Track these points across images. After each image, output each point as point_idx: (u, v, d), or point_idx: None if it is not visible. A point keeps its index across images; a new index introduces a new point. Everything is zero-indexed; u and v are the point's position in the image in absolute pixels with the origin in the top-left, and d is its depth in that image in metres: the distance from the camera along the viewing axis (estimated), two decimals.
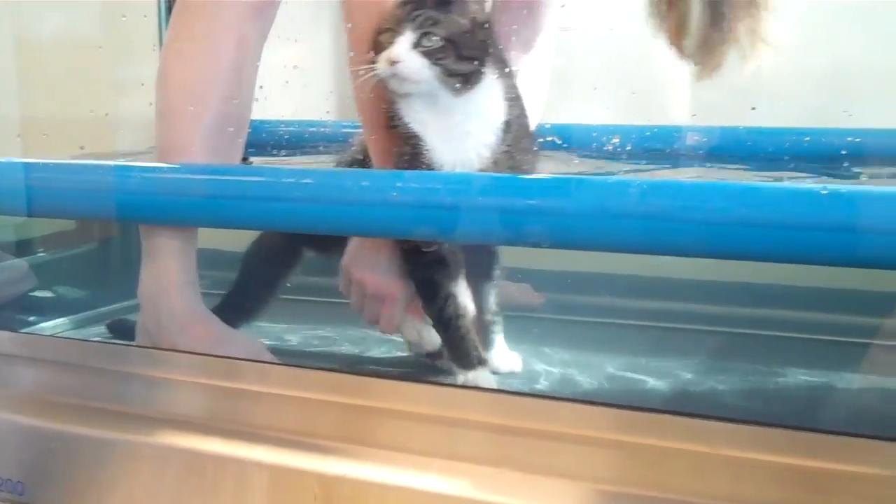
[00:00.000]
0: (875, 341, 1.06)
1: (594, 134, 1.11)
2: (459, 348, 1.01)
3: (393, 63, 0.92)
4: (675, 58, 1.06)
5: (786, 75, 1.28)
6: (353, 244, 1.07)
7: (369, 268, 1.05)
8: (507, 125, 0.99)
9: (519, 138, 1.01)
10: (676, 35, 1.06)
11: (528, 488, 0.76)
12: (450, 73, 0.94)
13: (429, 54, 0.93)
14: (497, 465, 0.78)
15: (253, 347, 1.10)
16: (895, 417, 0.91)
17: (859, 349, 1.10)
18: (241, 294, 1.22)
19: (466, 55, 0.94)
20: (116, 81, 1.66)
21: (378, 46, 0.94)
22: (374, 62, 0.94)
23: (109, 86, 1.66)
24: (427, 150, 0.97)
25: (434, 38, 0.93)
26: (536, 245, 0.91)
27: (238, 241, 1.22)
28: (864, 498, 0.68)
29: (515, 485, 0.77)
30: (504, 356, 1.11)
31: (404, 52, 0.92)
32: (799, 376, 1.05)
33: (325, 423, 0.85)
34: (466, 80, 0.95)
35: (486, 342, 1.09)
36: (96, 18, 1.68)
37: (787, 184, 0.91)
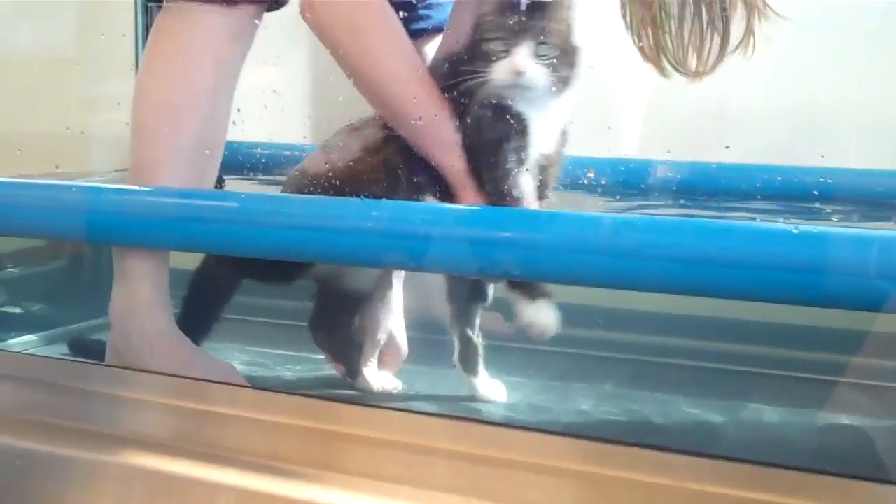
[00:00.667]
0: (843, 379, 1.06)
1: (569, 166, 1.11)
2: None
3: (518, 73, 0.94)
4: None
5: (758, 113, 1.29)
6: None
7: None
8: None
9: None
10: (656, 55, 1.07)
11: None
12: (560, 79, 0.96)
13: (548, 64, 0.95)
14: (464, 494, 0.77)
15: (223, 370, 1.09)
16: (859, 456, 0.92)
17: (828, 386, 1.10)
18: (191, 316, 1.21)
19: (571, 61, 0.97)
20: (92, 99, 1.65)
21: (483, 54, 0.96)
22: (479, 69, 0.96)
23: (85, 104, 1.65)
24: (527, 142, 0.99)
25: (550, 47, 0.95)
26: (506, 277, 0.91)
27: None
28: None
29: None
30: (488, 384, 1.11)
31: (528, 62, 0.95)
32: (765, 412, 1.05)
33: (294, 448, 0.84)
34: (566, 82, 0.98)
35: (470, 368, 1.10)
36: (74, 36, 1.68)
37: (759, 223, 0.91)
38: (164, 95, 1.11)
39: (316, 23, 1.03)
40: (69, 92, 1.64)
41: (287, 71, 1.63)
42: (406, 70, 1.03)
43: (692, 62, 1.07)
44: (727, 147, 1.29)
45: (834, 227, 0.89)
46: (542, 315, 0.99)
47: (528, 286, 0.99)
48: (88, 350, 1.24)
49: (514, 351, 1.21)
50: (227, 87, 1.14)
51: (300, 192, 1.09)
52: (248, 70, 1.16)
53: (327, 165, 1.07)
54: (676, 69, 1.08)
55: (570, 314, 1.13)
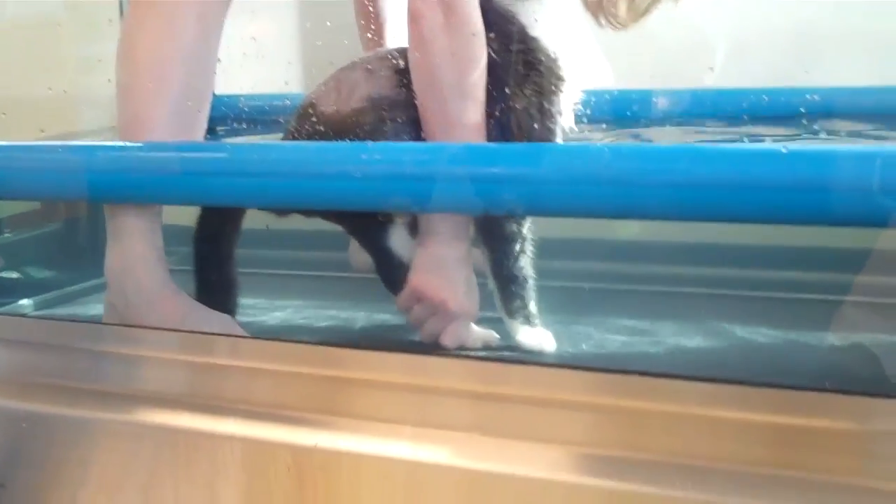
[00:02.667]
0: (838, 298, 1.05)
1: None
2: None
3: None
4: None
5: (746, 35, 1.27)
6: (422, 261, 1.05)
7: (447, 288, 1.03)
8: None
9: None
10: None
11: (505, 453, 0.74)
12: None
13: None
14: (472, 432, 0.76)
15: (222, 321, 1.08)
16: (864, 373, 0.90)
17: (827, 306, 1.09)
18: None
19: None
20: (75, 59, 1.62)
21: None
22: None
23: (68, 63, 1.61)
24: None
25: None
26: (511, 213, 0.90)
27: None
28: (838, 452, 0.67)
29: (492, 450, 0.75)
30: (531, 333, 1.06)
31: None
32: (767, 334, 1.04)
33: (297, 395, 0.83)
34: None
35: (512, 314, 1.06)
36: None
37: (747, 145, 0.90)
38: (149, 51, 1.09)
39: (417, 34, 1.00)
40: (51, 52, 1.60)
41: (268, 16, 1.59)
42: (476, 120, 1.01)
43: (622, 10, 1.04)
44: (711, 69, 1.26)
45: (821, 145, 0.87)
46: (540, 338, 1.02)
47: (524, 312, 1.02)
48: None
49: None
50: (213, 38, 1.11)
51: (309, 129, 1.07)
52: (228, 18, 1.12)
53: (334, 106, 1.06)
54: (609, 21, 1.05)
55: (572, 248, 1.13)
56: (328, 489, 0.78)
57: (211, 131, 1.24)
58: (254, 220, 1.13)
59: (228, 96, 1.44)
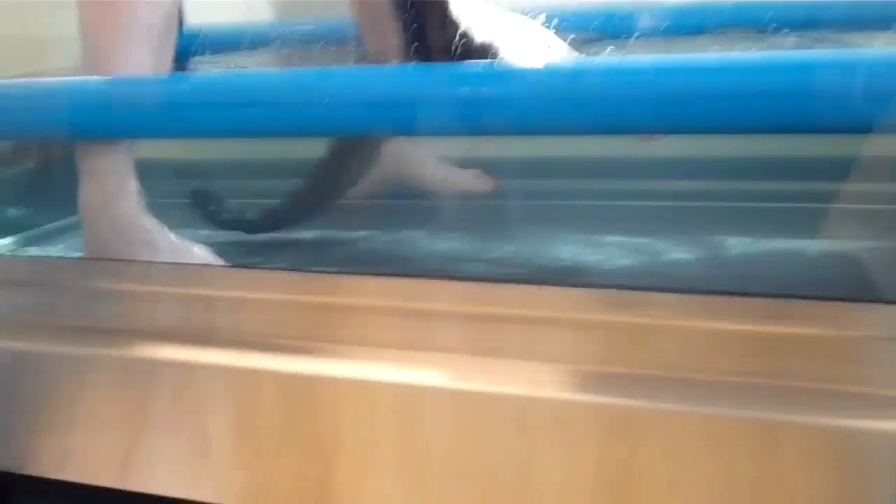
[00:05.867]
0: (823, 206, 1.02)
1: None
2: None
3: None
4: None
5: None
6: None
7: None
8: None
9: None
10: None
11: (508, 374, 0.71)
12: None
13: None
14: (473, 354, 0.73)
15: (201, 252, 1.04)
16: (851, 281, 0.88)
17: (813, 215, 1.06)
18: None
19: None
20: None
21: None
22: None
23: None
24: None
25: None
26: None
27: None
28: (829, 359, 0.65)
29: (494, 372, 0.72)
30: None
31: None
32: (758, 244, 1.01)
33: (281, 323, 0.80)
34: None
35: None
36: None
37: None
38: None
39: None
40: None
41: None
42: None
43: None
44: None
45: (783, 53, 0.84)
46: None
47: None
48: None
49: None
50: None
51: None
52: None
53: None
54: None
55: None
56: (314, 415, 0.75)
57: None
58: None
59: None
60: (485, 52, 0.92)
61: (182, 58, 1.22)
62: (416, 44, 0.93)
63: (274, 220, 1.22)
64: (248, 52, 1.35)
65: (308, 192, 1.21)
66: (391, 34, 1.02)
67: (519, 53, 0.92)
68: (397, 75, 0.92)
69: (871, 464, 0.62)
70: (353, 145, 1.16)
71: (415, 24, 0.94)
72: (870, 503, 0.62)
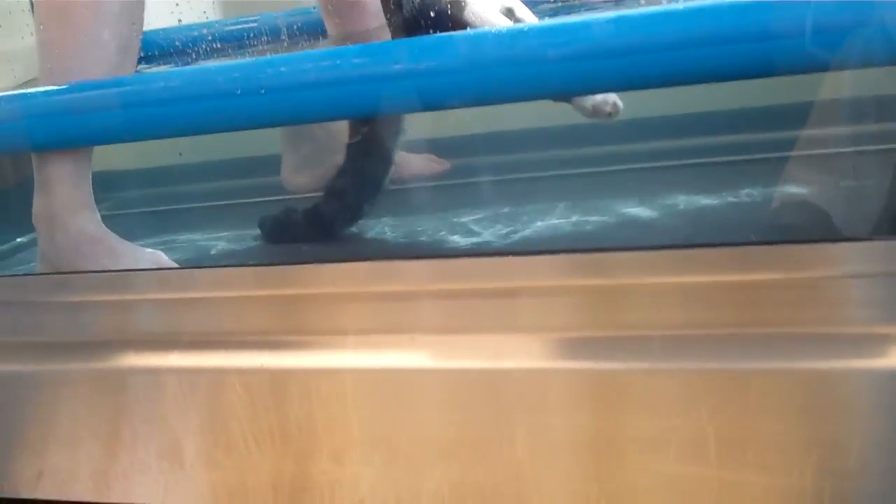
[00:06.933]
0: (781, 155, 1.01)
1: None
2: None
3: None
4: None
5: None
6: None
7: None
8: None
9: None
10: None
11: (479, 349, 0.70)
12: None
13: None
14: (440, 332, 0.72)
15: (153, 257, 1.02)
16: (814, 225, 0.87)
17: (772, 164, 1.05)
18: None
19: None
20: None
21: None
22: None
23: None
24: None
25: None
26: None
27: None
28: (802, 302, 0.63)
29: (465, 348, 0.70)
30: None
31: None
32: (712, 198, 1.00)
33: (236, 319, 0.78)
34: None
35: None
36: None
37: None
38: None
39: None
40: None
41: None
42: None
43: None
44: None
45: None
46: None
47: None
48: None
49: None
50: None
51: None
52: None
53: None
54: None
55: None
56: (283, 409, 0.74)
57: None
58: None
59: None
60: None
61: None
62: None
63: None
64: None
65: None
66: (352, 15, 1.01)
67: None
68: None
69: (841, 403, 0.61)
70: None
71: None
72: (843, 442, 0.61)
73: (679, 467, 0.65)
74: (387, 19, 0.99)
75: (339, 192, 1.10)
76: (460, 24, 0.92)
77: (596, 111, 0.92)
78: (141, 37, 1.05)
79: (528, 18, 0.97)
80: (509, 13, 0.95)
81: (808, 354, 0.63)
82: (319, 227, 1.10)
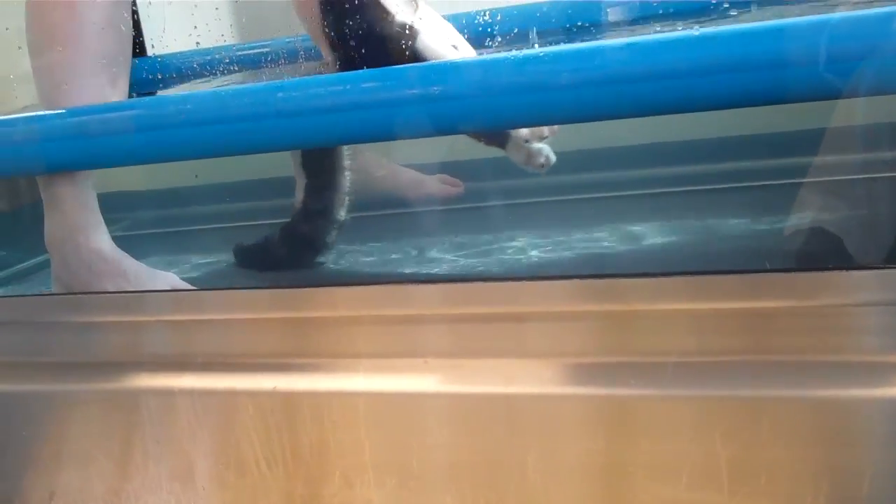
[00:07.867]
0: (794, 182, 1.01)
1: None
2: None
3: None
4: None
5: None
6: None
7: None
8: None
9: None
10: None
11: (491, 373, 0.70)
12: None
13: None
14: (452, 356, 0.72)
15: (166, 279, 1.03)
16: (828, 253, 0.87)
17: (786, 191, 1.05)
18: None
19: None
20: None
21: None
22: None
23: None
24: None
25: None
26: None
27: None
28: (815, 330, 0.63)
29: (477, 372, 0.70)
30: None
31: None
32: (725, 225, 1.00)
33: (251, 341, 0.78)
34: None
35: None
36: None
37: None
38: (56, 16, 1.01)
39: None
40: None
41: None
42: None
43: None
44: None
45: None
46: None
47: None
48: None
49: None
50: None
51: None
52: None
53: None
54: None
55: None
56: (292, 432, 0.74)
57: None
58: None
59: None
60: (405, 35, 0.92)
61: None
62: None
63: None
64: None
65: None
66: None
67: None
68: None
69: (853, 431, 0.61)
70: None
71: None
72: (855, 470, 0.61)
73: (691, 494, 0.65)
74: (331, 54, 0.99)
75: (295, 229, 1.13)
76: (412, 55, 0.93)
77: (529, 160, 0.93)
78: (131, 43, 1.06)
79: None
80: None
81: (821, 382, 0.62)
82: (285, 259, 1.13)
